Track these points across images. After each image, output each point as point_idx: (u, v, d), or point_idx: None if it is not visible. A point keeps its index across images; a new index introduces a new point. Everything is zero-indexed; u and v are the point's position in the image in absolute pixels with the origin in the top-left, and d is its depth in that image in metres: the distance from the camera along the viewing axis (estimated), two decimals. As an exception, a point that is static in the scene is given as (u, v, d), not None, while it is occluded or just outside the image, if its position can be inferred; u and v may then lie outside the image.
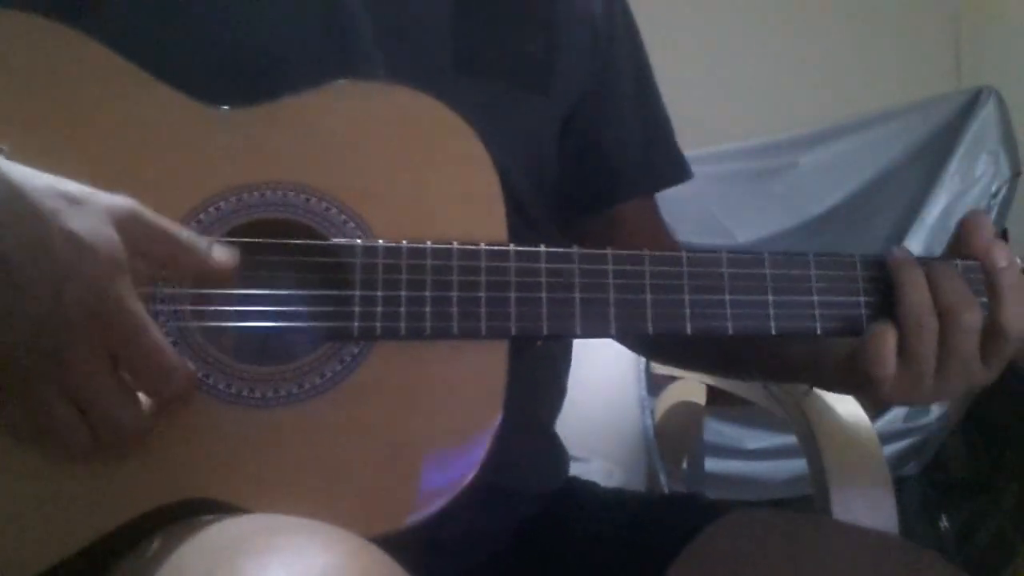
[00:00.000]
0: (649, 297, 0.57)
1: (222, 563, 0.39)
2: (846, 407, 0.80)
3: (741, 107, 2.19)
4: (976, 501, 1.89)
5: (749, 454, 1.85)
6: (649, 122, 0.79)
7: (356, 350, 0.53)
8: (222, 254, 0.51)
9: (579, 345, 0.78)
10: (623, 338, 0.82)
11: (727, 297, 0.58)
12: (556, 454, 0.76)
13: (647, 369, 1.18)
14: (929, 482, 1.89)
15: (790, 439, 0.82)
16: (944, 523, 1.84)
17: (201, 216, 0.54)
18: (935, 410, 1.83)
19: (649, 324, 0.57)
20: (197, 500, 0.49)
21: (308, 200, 0.55)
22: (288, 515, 0.47)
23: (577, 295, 0.56)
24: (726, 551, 0.62)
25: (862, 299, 0.59)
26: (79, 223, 0.45)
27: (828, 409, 0.79)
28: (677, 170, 0.81)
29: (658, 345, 0.82)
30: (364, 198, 0.55)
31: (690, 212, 1.87)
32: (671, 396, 1.15)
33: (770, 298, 0.58)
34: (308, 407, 0.52)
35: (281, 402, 0.52)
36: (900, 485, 1.80)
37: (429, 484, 0.52)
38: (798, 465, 1.66)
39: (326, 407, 0.52)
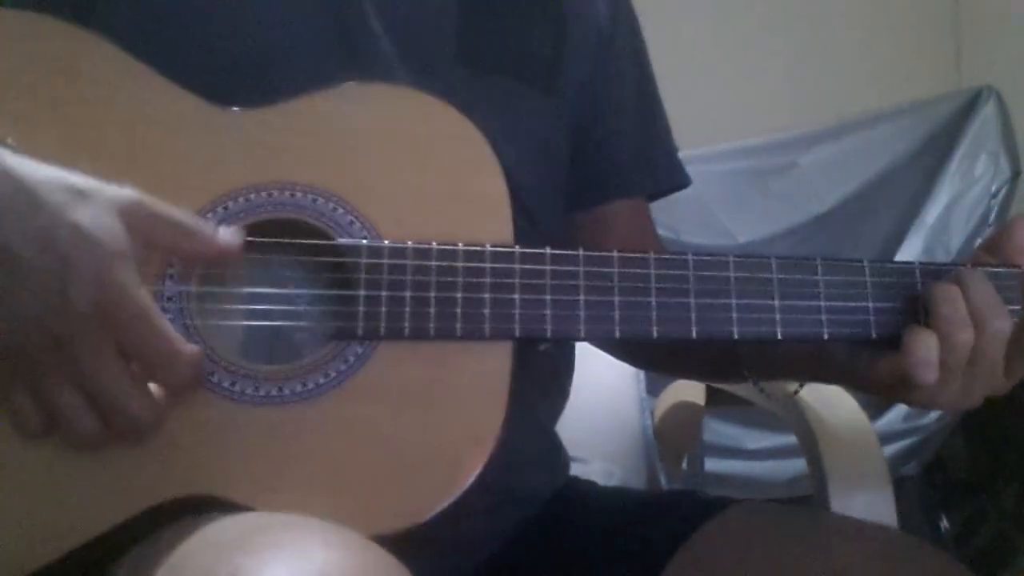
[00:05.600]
0: (654, 300, 0.56)
1: (223, 560, 0.39)
2: (846, 407, 0.80)
3: (741, 107, 2.18)
4: (976, 501, 1.88)
5: (749, 454, 1.85)
6: (648, 125, 0.79)
7: (360, 350, 0.53)
8: (227, 235, 0.51)
9: (579, 345, 0.78)
10: (618, 344, 0.81)
11: (733, 301, 0.57)
12: (557, 455, 0.76)
13: (646, 369, 1.18)
14: (929, 482, 1.89)
15: (790, 439, 0.82)
16: (944, 523, 1.85)
17: (208, 216, 0.54)
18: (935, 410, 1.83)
19: (654, 328, 0.56)
20: (199, 497, 0.50)
21: (315, 200, 0.55)
22: (290, 513, 0.47)
23: (582, 297, 0.56)
24: (725, 546, 0.62)
25: (870, 305, 0.59)
26: (83, 214, 0.46)
27: (828, 409, 0.79)
28: (673, 175, 0.80)
29: (641, 350, 0.81)
30: (371, 199, 0.56)
31: (690, 212, 1.87)
32: (670, 396, 1.15)
33: (776, 303, 0.57)
34: (312, 406, 0.52)
35: (285, 400, 0.52)
36: (900, 485, 1.80)
37: (431, 485, 0.52)
38: (798, 465, 1.66)
39: (330, 406, 0.52)
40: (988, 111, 1.90)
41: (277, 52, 0.61)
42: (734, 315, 0.57)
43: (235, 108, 0.56)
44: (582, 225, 0.77)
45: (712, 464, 1.68)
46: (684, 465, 1.18)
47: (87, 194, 0.47)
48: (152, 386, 0.49)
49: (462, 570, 0.66)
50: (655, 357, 0.82)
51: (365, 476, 0.52)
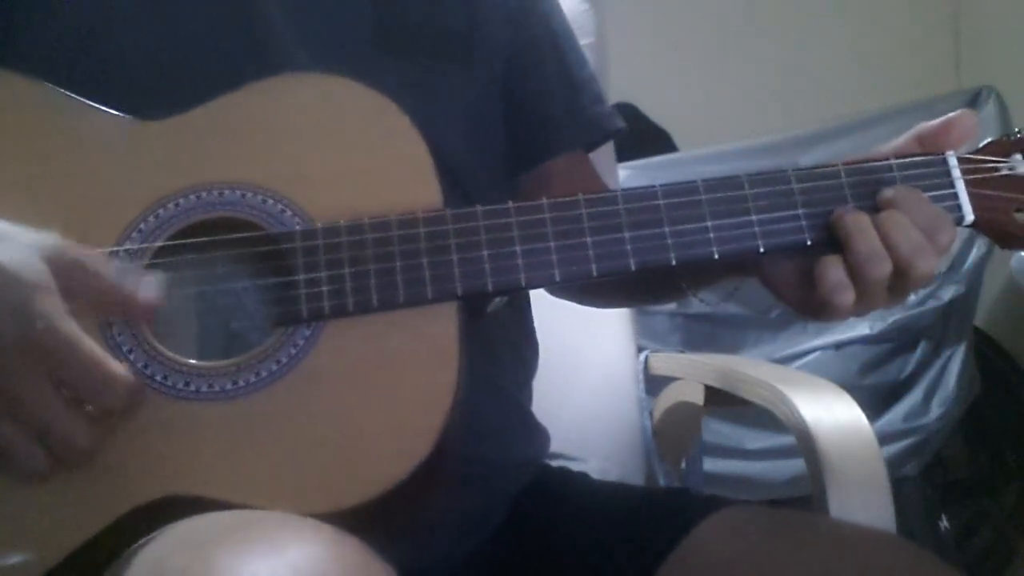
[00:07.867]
0: (590, 239, 0.58)
1: (199, 558, 0.40)
2: (844, 407, 0.79)
3: (740, 108, 2.19)
4: (976, 501, 1.88)
5: (748, 454, 1.85)
6: (572, 78, 0.80)
7: (308, 332, 0.54)
8: (148, 288, 0.51)
9: (578, 346, 0.78)
10: (560, 287, 0.82)
11: (667, 229, 0.58)
12: (530, 425, 0.77)
13: (645, 369, 1.18)
14: (929, 482, 1.89)
15: (790, 439, 0.82)
16: (944, 523, 1.84)
17: (141, 226, 0.55)
18: (935, 410, 1.83)
19: (593, 266, 0.57)
20: (169, 499, 0.50)
21: (244, 195, 0.56)
22: (260, 499, 0.48)
23: (518, 247, 0.57)
24: (720, 546, 0.62)
25: (801, 211, 0.59)
26: (1, 253, 0.46)
27: (826, 409, 0.78)
28: (604, 123, 0.81)
29: (579, 286, 0.82)
30: (298, 185, 0.57)
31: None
32: (669, 396, 1.15)
33: (709, 223, 0.59)
34: (269, 393, 0.53)
35: (240, 393, 0.53)
36: (900, 485, 1.80)
37: (395, 450, 0.53)
38: (798, 465, 1.65)
39: (286, 391, 0.53)
40: (988, 111, 1.89)
41: (187, 63, 0.62)
42: (669, 242, 0.58)
43: (151, 118, 0.57)
44: (525, 188, 0.78)
45: (712, 464, 1.67)
46: (683, 465, 1.17)
47: (4, 236, 0.47)
48: (90, 409, 0.49)
49: (452, 560, 0.66)
50: (594, 291, 0.83)
51: (329, 452, 0.52)
